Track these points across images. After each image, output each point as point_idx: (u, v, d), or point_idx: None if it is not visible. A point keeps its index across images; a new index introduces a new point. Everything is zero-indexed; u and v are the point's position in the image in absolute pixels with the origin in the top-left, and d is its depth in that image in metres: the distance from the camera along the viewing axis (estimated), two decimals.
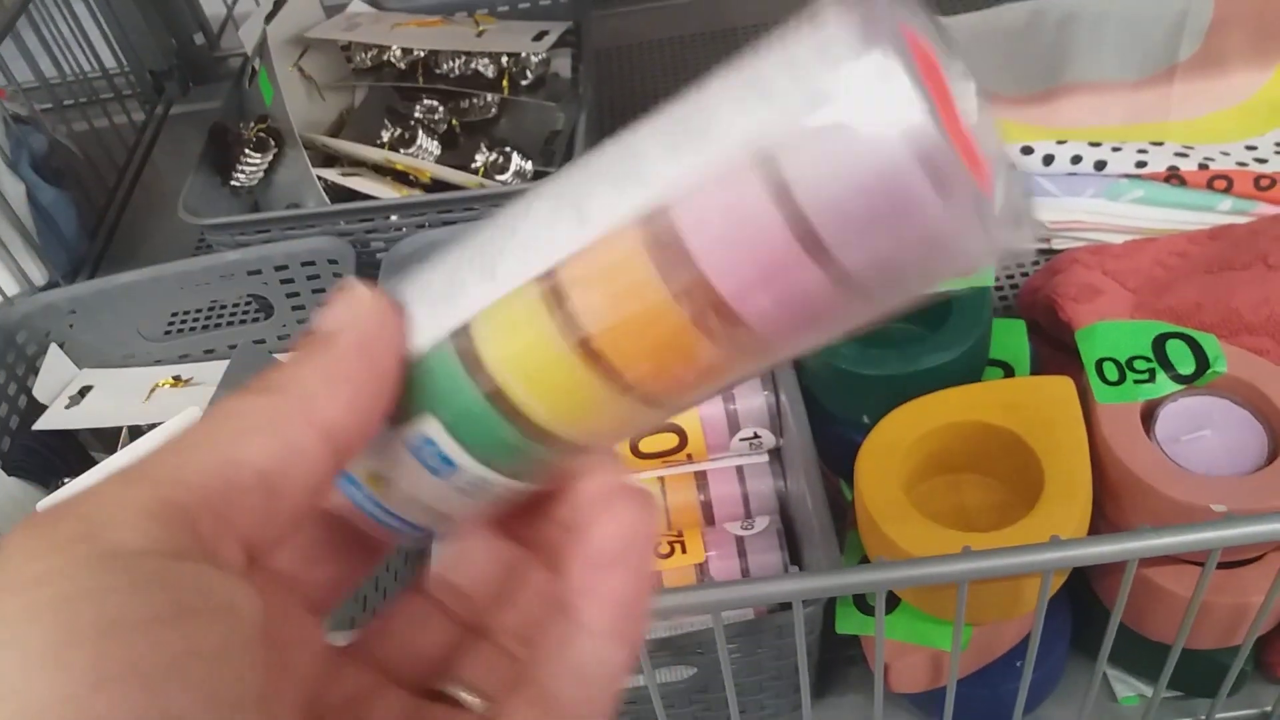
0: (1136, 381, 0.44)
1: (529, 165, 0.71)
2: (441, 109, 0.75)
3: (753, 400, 0.54)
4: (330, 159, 0.75)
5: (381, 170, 0.72)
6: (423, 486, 0.19)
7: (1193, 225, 0.62)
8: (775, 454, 0.56)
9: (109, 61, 0.97)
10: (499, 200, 0.63)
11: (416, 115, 0.75)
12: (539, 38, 0.75)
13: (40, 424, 0.63)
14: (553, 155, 0.73)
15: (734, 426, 0.54)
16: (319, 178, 0.70)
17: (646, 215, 0.16)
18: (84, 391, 0.66)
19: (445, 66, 0.75)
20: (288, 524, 0.17)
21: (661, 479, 0.55)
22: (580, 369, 0.17)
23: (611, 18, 1.00)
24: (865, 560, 0.46)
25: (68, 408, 0.64)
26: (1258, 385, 0.43)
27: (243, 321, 0.73)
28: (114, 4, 0.96)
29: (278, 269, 0.65)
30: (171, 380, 0.65)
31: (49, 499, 0.56)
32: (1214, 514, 0.40)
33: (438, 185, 0.70)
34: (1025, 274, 0.68)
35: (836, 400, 0.51)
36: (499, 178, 0.70)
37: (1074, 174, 0.66)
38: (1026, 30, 0.80)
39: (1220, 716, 0.47)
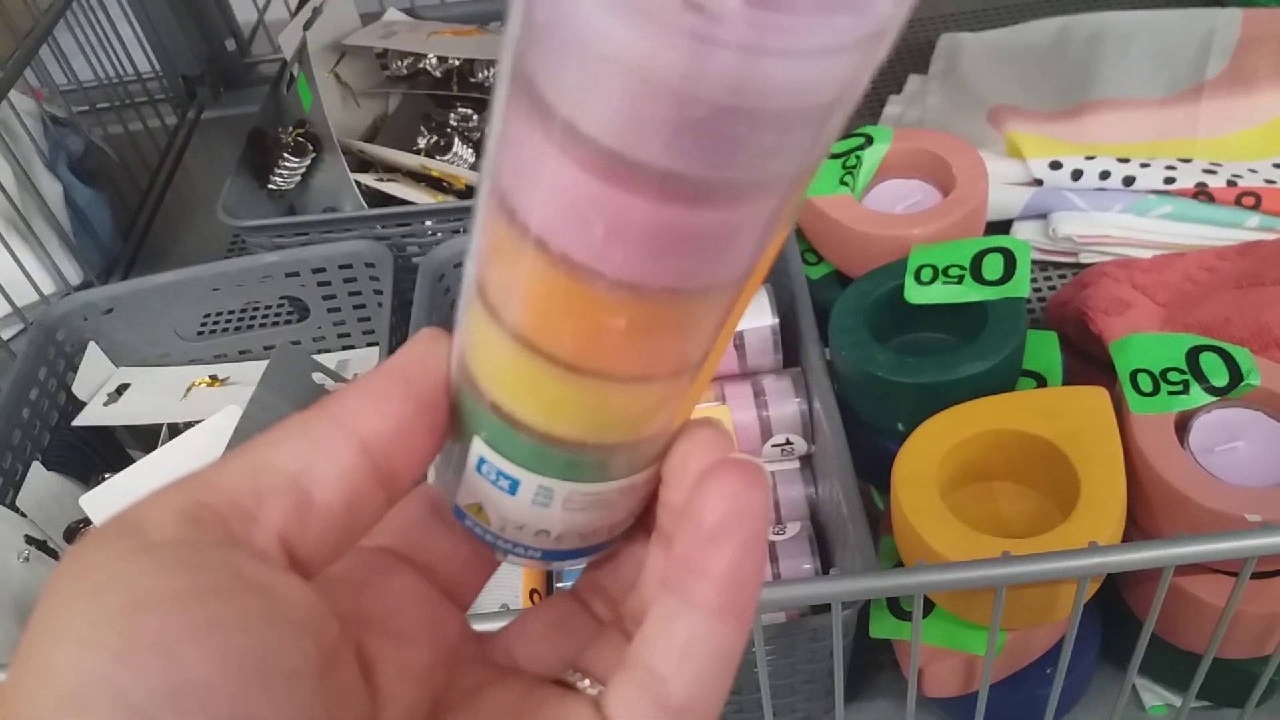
0: (1170, 393, 0.44)
1: None
2: (476, 117, 0.76)
3: (785, 407, 0.54)
4: (365, 164, 0.76)
5: (417, 176, 0.73)
6: (508, 507, 0.19)
7: (1221, 241, 0.63)
8: (805, 461, 0.57)
9: (143, 66, 0.99)
10: None
11: (452, 123, 0.76)
12: None
13: (79, 420, 0.64)
14: None
15: (766, 433, 0.55)
16: (356, 182, 0.71)
17: (497, 191, 0.16)
18: (122, 389, 0.67)
19: (480, 75, 0.76)
20: (329, 524, 0.17)
21: None
22: (528, 362, 0.17)
23: None
24: (899, 565, 0.47)
25: (106, 405, 0.65)
26: None
27: (275, 324, 0.74)
28: (149, 10, 0.97)
29: (315, 271, 0.66)
30: (209, 379, 0.66)
31: (88, 494, 0.57)
32: (1248, 523, 0.40)
33: (472, 192, 0.71)
34: (1053, 287, 0.68)
35: (871, 408, 0.51)
36: None
37: (1102, 189, 0.67)
38: (1055, 47, 0.81)
39: None
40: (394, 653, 0.19)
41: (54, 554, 0.57)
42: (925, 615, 0.45)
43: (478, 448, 0.19)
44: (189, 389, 0.67)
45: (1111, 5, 0.91)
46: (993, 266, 0.50)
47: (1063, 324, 0.58)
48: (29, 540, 0.57)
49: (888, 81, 0.90)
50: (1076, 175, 0.67)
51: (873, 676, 0.51)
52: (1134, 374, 0.45)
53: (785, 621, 0.46)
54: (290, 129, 0.75)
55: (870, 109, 0.87)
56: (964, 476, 0.46)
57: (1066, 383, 0.51)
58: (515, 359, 0.17)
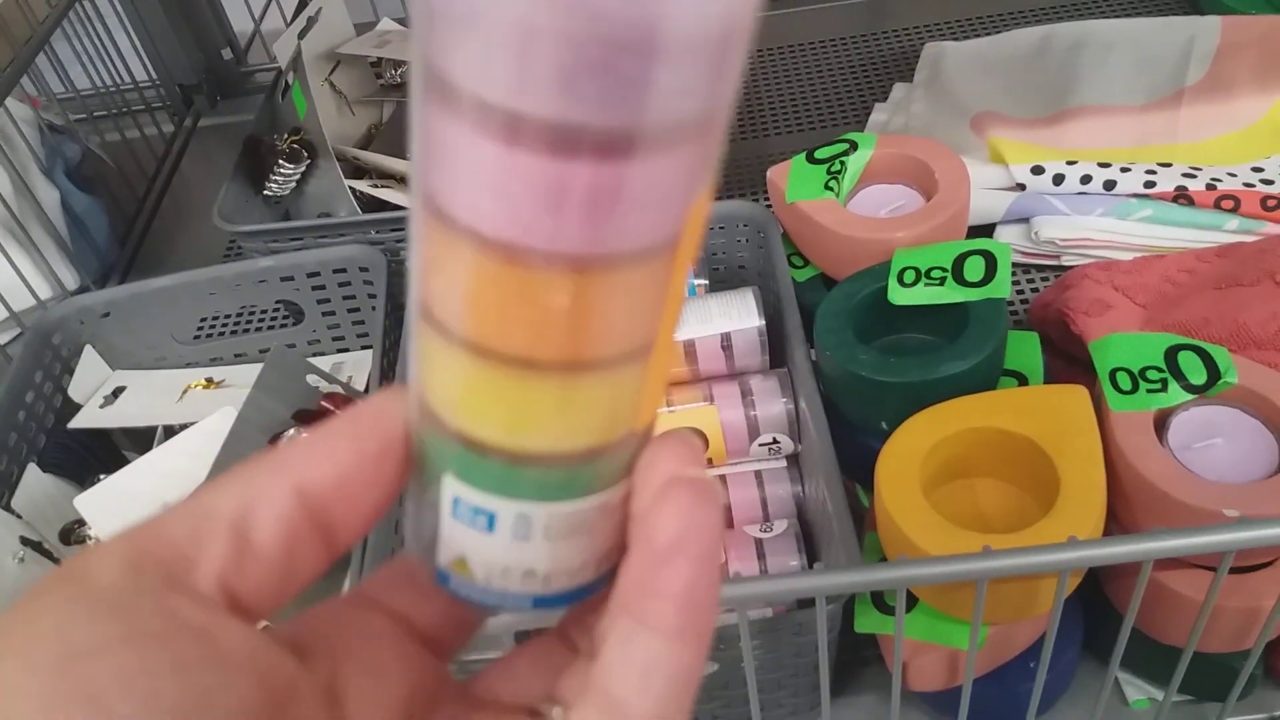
0: (1149, 391, 0.45)
1: None
2: None
3: (772, 407, 0.55)
4: (360, 171, 0.76)
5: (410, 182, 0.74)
6: (488, 549, 0.19)
7: (1200, 244, 0.64)
8: (793, 459, 0.57)
9: (140, 74, 0.99)
10: None
11: None
12: None
13: (75, 423, 0.65)
14: None
15: (753, 432, 0.55)
16: (350, 188, 0.72)
17: (425, 197, 0.16)
18: (117, 392, 0.67)
19: None
20: (267, 568, 0.18)
21: None
22: (484, 371, 0.17)
23: None
24: (883, 561, 0.47)
25: (102, 407, 0.66)
26: (1268, 396, 0.44)
27: (272, 327, 0.74)
28: (145, 19, 0.98)
29: (310, 275, 0.67)
30: (204, 382, 0.67)
31: (83, 495, 0.58)
32: (1226, 518, 0.41)
33: None
34: (1036, 289, 0.69)
35: (855, 407, 0.52)
36: None
37: (1084, 193, 0.68)
38: (1036, 55, 0.82)
39: None
40: (367, 685, 0.19)
41: (49, 555, 0.58)
42: (909, 610, 0.46)
43: (449, 488, 0.18)
44: (185, 391, 0.67)
45: (1093, 14, 0.93)
46: (974, 268, 0.51)
47: (1045, 325, 0.59)
48: (24, 542, 0.57)
49: (874, 89, 0.91)
50: (1058, 180, 0.68)
51: (858, 671, 0.52)
52: (1113, 372, 0.46)
53: (771, 617, 0.47)
54: (285, 136, 0.76)
55: (856, 116, 0.89)
56: (946, 473, 0.47)
57: (1048, 382, 0.52)
58: (471, 371, 0.17)
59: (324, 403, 0.61)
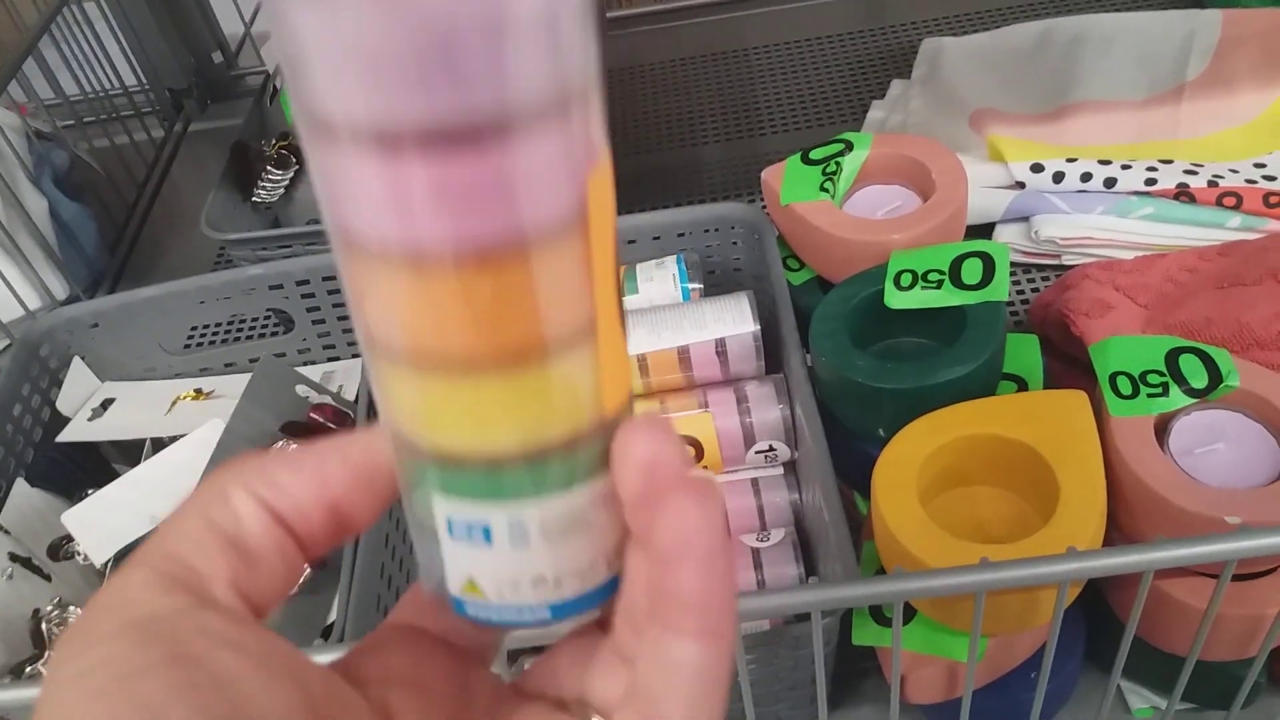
0: (1150, 395, 0.44)
1: None
2: None
3: (768, 414, 0.54)
4: None
5: None
6: (492, 564, 0.19)
7: (1202, 242, 0.63)
8: (790, 467, 0.57)
9: (129, 79, 0.99)
10: None
11: None
12: None
13: (63, 436, 0.64)
14: None
15: (749, 440, 0.55)
16: None
17: (338, 235, 0.17)
18: (106, 404, 0.66)
19: None
20: (267, 571, 0.19)
21: None
22: (438, 382, 0.17)
23: (620, 39, 1.02)
24: (881, 572, 0.47)
25: (90, 420, 0.65)
26: (1271, 399, 0.44)
27: (262, 335, 0.74)
28: (134, 23, 0.97)
29: (299, 283, 0.66)
30: (193, 393, 0.66)
31: (70, 511, 0.57)
32: (1228, 526, 0.40)
33: None
34: (1036, 289, 0.68)
35: (852, 414, 0.51)
36: None
37: (1084, 191, 0.67)
38: (1036, 50, 0.81)
39: None
40: (421, 705, 0.20)
41: (38, 571, 0.57)
42: (907, 622, 0.45)
43: (440, 509, 0.19)
44: (174, 403, 0.66)
45: (1092, 8, 0.92)
46: (972, 271, 0.50)
47: (1045, 326, 0.58)
48: (13, 558, 0.56)
49: (871, 86, 0.90)
50: (1058, 178, 0.67)
51: (856, 683, 0.51)
52: (1113, 376, 0.45)
53: (767, 630, 0.46)
54: (274, 142, 0.75)
55: (854, 113, 0.88)
56: (944, 481, 0.46)
57: (1048, 386, 0.51)
58: (423, 385, 0.17)
59: (313, 414, 0.60)
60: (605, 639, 0.21)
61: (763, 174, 0.61)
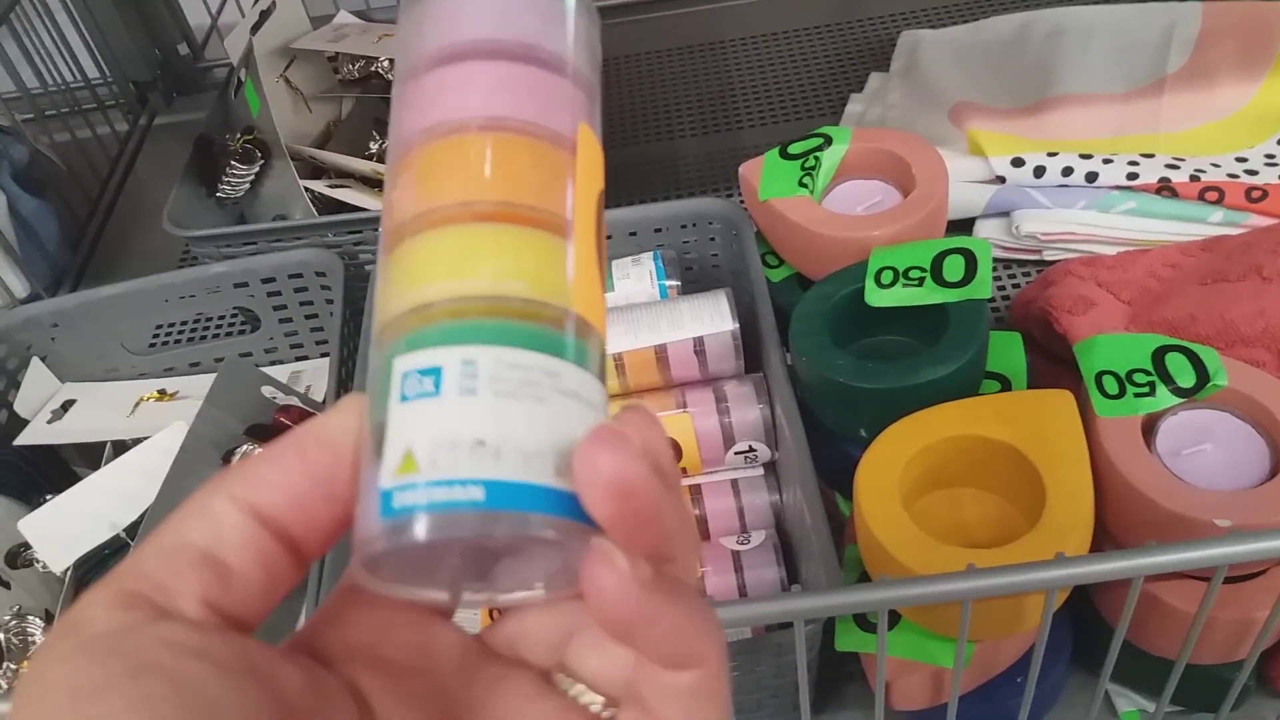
0: (1136, 395, 0.44)
1: None
2: None
3: (747, 414, 0.53)
4: (317, 171, 0.74)
5: (369, 182, 0.72)
6: (434, 419, 0.18)
7: (1185, 237, 0.63)
8: (770, 467, 0.55)
9: (91, 71, 0.96)
10: None
11: None
12: None
13: (21, 439, 0.62)
14: None
15: (729, 440, 0.53)
16: (306, 189, 0.70)
17: (395, 151, 0.22)
18: (67, 406, 0.64)
19: None
20: (250, 584, 0.19)
21: None
22: (427, 234, 0.20)
23: (606, 29, 1.00)
24: (864, 575, 0.46)
25: (50, 422, 0.63)
26: (1258, 399, 0.43)
27: (229, 334, 0.72)
28: (96, 14, 0.95)
29: (264, 281, 0.64)
30: (157, 394, 0.64)
31: (27, 517, 0.55)
32: (1217, 529, 0.39)
33: None
34: (1017, 285, 0.67)
35: (833, 414, 0.50)
36: None
37: (1065, 186, 0.66)
38: (1014, 43, 0.80)
39: None
40: (390, 683, 0.20)
41: None
42: (891, 627, 0.44)
43: (399, 366, 0.19)
44: (137, 404, 0.65)
45: (1072, 0, 0.91)
46: (953, 268, 0.49)
47: (1027, 323, 0.58)
48: None
49: (849, 79, 0.89)
50: (1039, 172, 0.66)
51: (840, 688, 0.50)
52: (1099, 376, 0.45)
53: (750, 637, 0.45)
54: (238, 136, 0.73)
55: (831, 107, 0.87)
56: (927, 483, 0.45)
57: (1032, 384, 0.50)
58: (420, 240, 0.20)
59: (279, 416, 0.58)
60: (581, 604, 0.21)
61: (740, 169, 0.60)
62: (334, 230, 0.66)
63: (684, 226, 0.62)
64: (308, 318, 0.66)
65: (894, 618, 0.44)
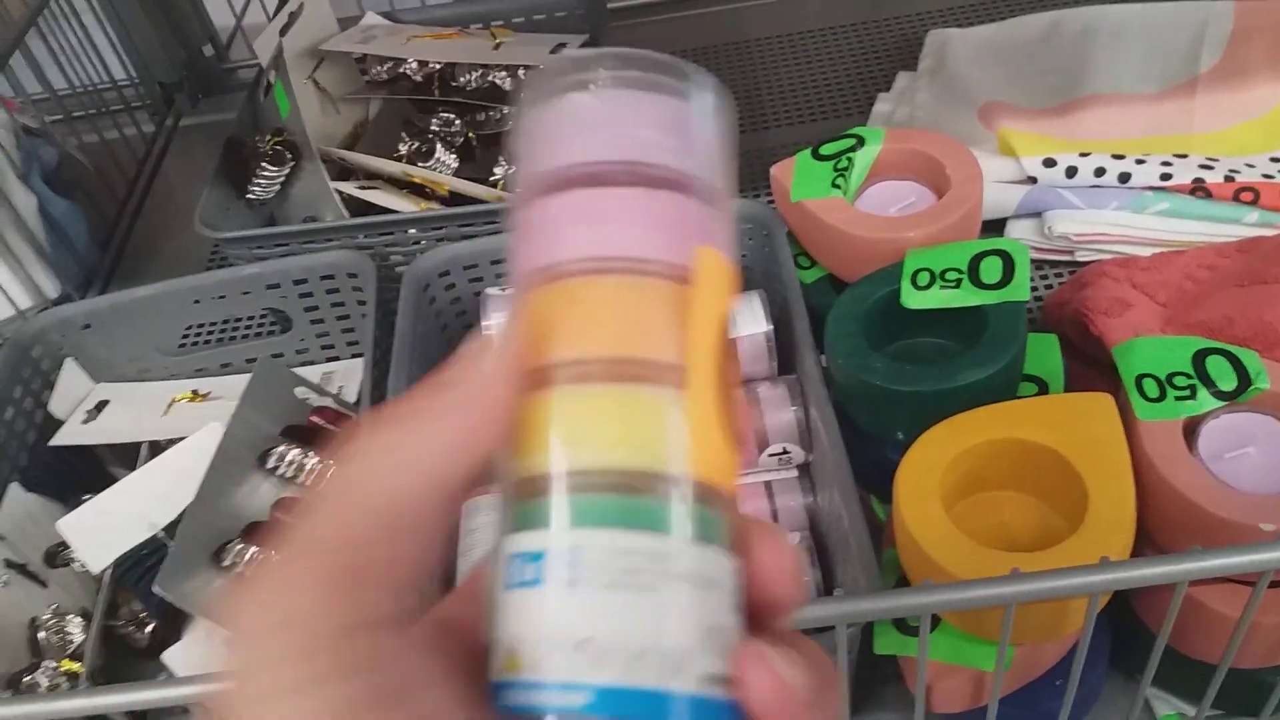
0: (1177, 398, 0.43)
1: None
2: (458, 122, 0.75)
3: (781, 415, 0.53)
4: (345, 172, 0.74)
5: (398, 183, 0.72)
6: (537, 616, 0.18)
7: (1219, 238, 0.62)
8: (804, 470, 0.55)
9: (118, 73, 0.96)
10: None
11: (434, 128, 0.74)
12: (556, 50, 0.74)
13: (57, 439, 0.62)
14: None
15: (762, 442, 0.53)
16: (336, 191, 0.70)
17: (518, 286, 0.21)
18: (100, 406, 0.65)
19: (462, 79, 0.75)
20: (430, 545, 0.19)
21: None
22: (539, 397, 0.19)
23: (628, 29, 1.00)
24: (902, 578, 0.45)
25: (85, 423, 0.64)
26: None
27: (259, 335, 0.72)
28: (123, 16, 0.95)
29: (296, 283, 0.64)
30: (190, 394, 0.64)
31: (65, 518, 0.55)
32: (1260, 533, 0.39)
33: (456, 198, 0.69)
34: (1050, 287, 0.67)
35: (868, 417, 0.50)
36: None
37: (1098, 186, 0.66)
38: (1045, 42, 0.80)
39: None
40: None
41: (34, 577, 0.56)
42: (931, 630, 0.44)
43: (505, 548, 0.18)
44: (170, 405, 0.65)
45: None
46: (991, 269, 0.49)
47: (1061, 325, 0.57)
48: (8, 564, 0.55)
49: (876, 79, 0.89)
50: (1071, 172, 0.66)
51: (878, 690, 0.50)
52: (1139, 379, 0.44)
53: None
54: (268, 137, 0.73)
55: (859, 106, 0.86)
56: (967, 487, 0.45)
57: (1068, 387, 0.50)
58: (527, 405, 0.19)
59: (314, 417, 0.58)
60: None
61: (772, 170, 0.59)
62: (366, 232, 0.66)
63: None
64: (339, 319, 0.66)
65: (934, 620, 0.44)
